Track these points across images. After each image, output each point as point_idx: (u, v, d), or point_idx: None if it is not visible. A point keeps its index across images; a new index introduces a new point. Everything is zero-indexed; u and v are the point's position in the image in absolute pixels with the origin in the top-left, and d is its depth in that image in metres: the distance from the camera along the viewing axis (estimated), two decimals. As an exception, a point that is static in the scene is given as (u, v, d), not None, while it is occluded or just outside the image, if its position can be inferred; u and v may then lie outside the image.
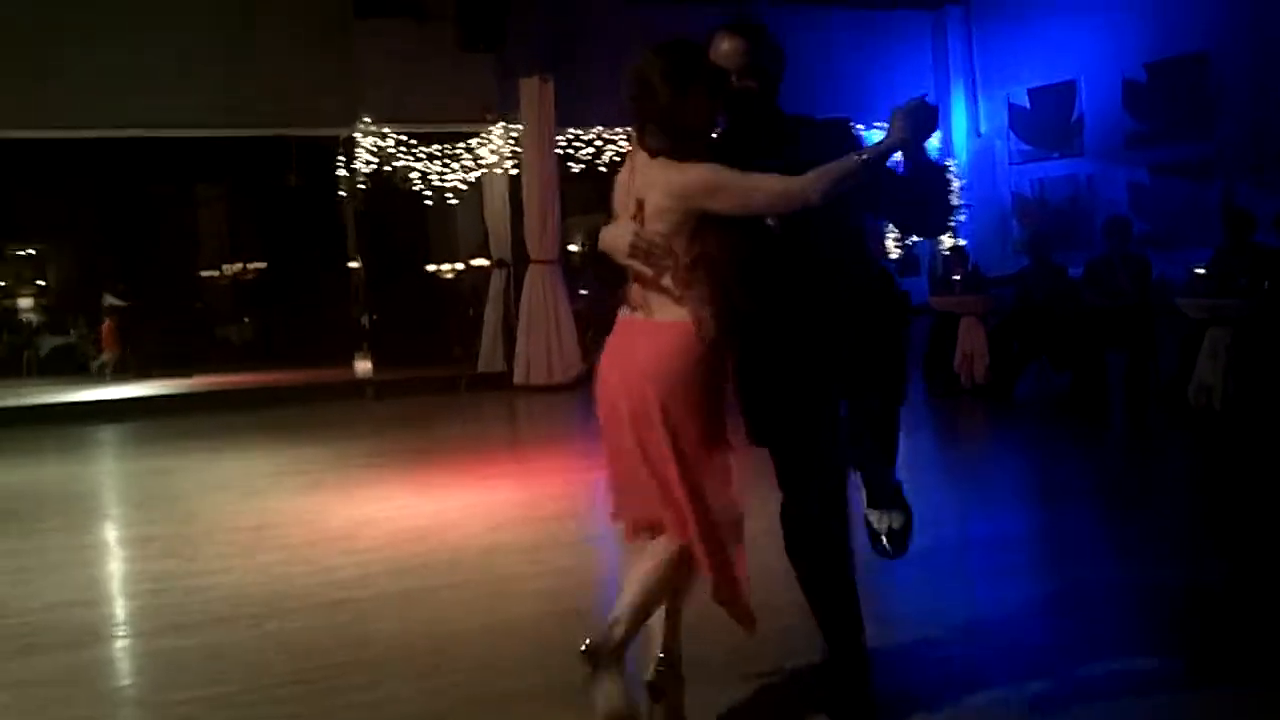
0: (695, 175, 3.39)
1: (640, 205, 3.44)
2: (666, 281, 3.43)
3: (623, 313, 3.59)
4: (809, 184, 3.34)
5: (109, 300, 18.68)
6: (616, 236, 3.46)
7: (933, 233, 4.11)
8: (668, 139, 3.43)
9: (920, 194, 3.61)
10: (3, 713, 3.97)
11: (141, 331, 18.92)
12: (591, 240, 3.59)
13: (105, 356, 18.36)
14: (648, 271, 3.44)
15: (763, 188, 3.38)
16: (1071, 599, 4.91)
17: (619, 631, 3.36)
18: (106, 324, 18.44)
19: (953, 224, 3.76)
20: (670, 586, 3.54)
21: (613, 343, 3.58)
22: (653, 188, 3.44)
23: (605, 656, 3.31)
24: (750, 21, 3.66)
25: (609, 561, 5.48)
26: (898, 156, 3.49)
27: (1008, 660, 4.09)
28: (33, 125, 13.96)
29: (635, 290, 3.52)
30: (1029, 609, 4.79)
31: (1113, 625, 4.57)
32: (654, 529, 3.55)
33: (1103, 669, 3.97)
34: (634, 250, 3.41)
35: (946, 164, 15.23)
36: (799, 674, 4.00)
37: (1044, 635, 4.43)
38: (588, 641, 3.31)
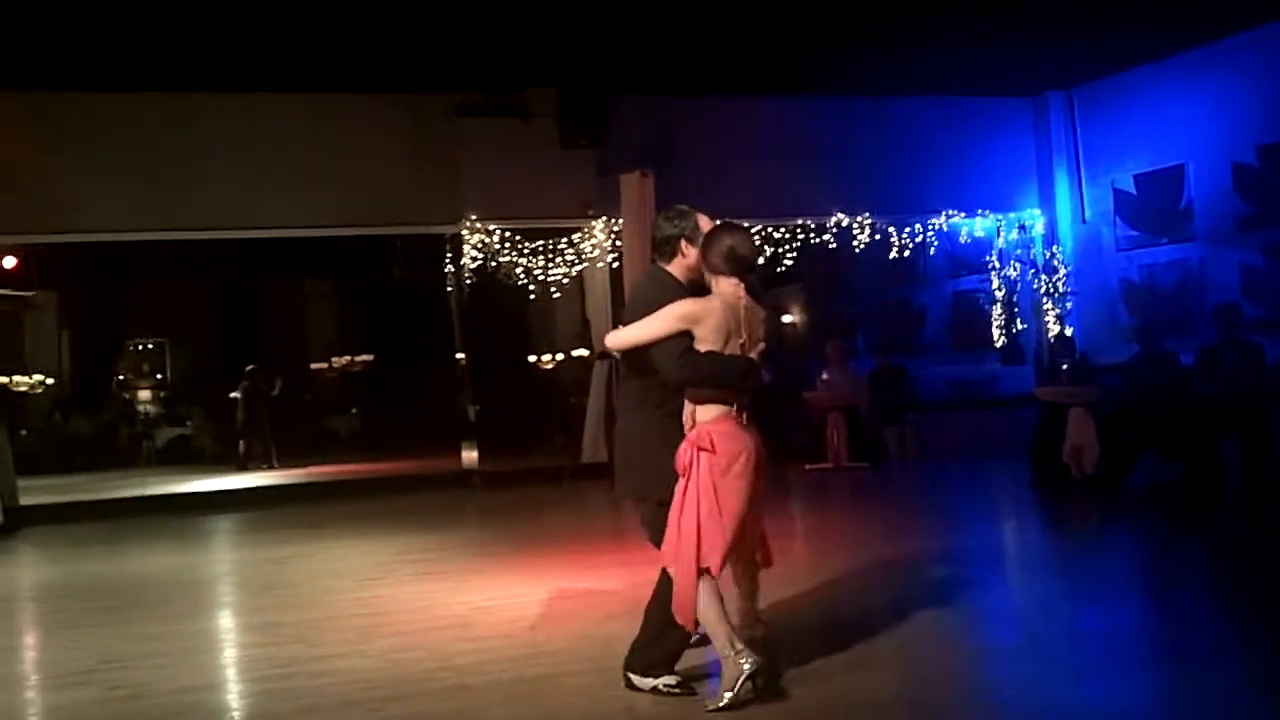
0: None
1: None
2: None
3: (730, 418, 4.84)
4: None
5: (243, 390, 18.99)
6: None
7: None
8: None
9: None
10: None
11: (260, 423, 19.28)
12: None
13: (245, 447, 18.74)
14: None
15: None
16: (1183, 695, 4.84)
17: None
18: (243, 415, 18.78)
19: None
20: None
21: (744, 437, 4.84)
22: (761, 324, 4.97)
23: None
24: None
25: (712, 653, 5.50)
26: None
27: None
28: (156, 227, 14.56)
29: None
30: (1142, 704, 4.72)
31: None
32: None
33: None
34: None
35: None
36: None
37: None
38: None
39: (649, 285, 5.18)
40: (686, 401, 4.88)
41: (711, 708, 4.73)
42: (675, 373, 4.81)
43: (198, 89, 14.09)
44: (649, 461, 4.98)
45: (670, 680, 5.01)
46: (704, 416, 4.81)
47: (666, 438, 4.90)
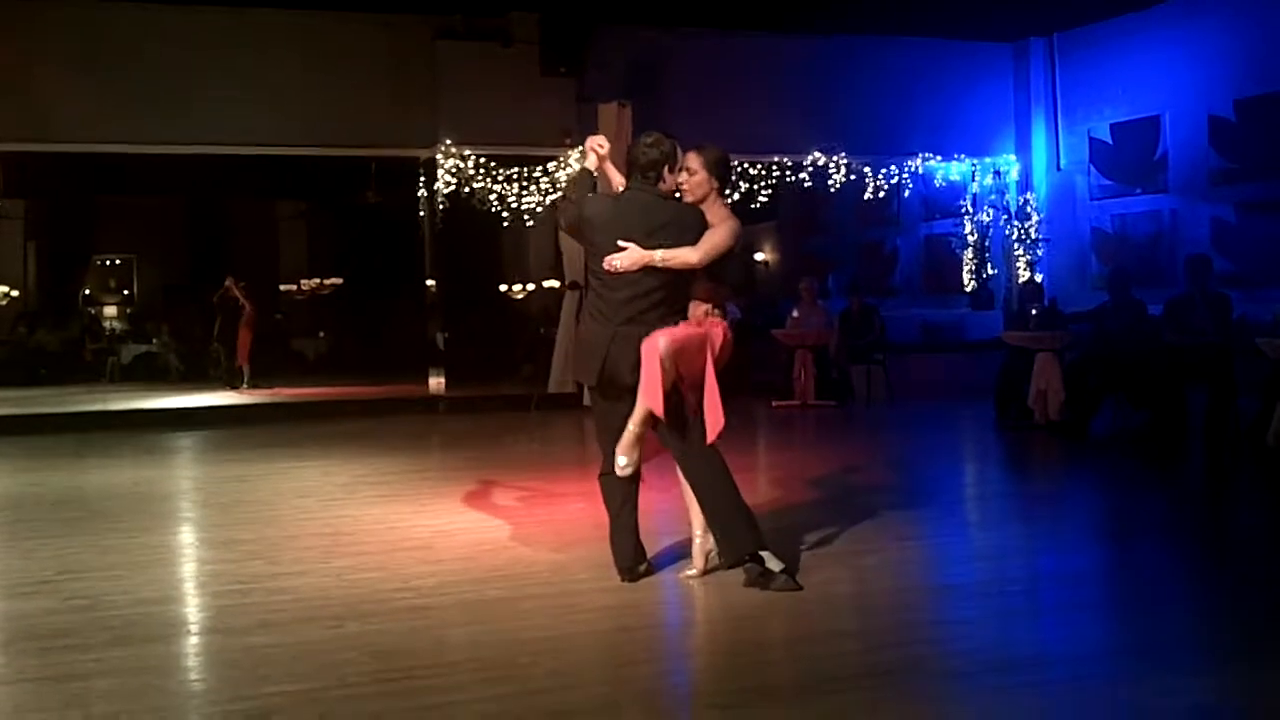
0: None
1: None
2: None
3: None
4: None
5: (240, 298, 18.42)
6: None
7: None
8: None
9: None
10: (106, 697, 4.11)
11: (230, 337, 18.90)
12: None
13: (243, 366, 18.30)
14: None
15: None
16: (1133, 637, 4.90)
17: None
18: (244, 335, 18.34)
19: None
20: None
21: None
22: None
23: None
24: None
25: (672, 582, 5.56)
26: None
27: (1074, 692, 4.09)
28: (129, 140, 14.36)
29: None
30: (1093, 645, 4.79)
31: (1179, 662, 4.54)
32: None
33: (1165, 705, 3.95)
34: None
35: None
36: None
37: (1111, 670, 4.41)
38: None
39: (684, 209, 5.49)
40: (700, 300, 5.45)
41: (693, 574, 5.54)
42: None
43: (177, 1, 13.89)
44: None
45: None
46: (712, 314, 5.47)
47: None
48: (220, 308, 18.54)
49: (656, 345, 5.21)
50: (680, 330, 5.35)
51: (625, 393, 5.38)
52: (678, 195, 5.51)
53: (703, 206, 5.48)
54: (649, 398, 5.22)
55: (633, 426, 5.30)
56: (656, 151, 5.44)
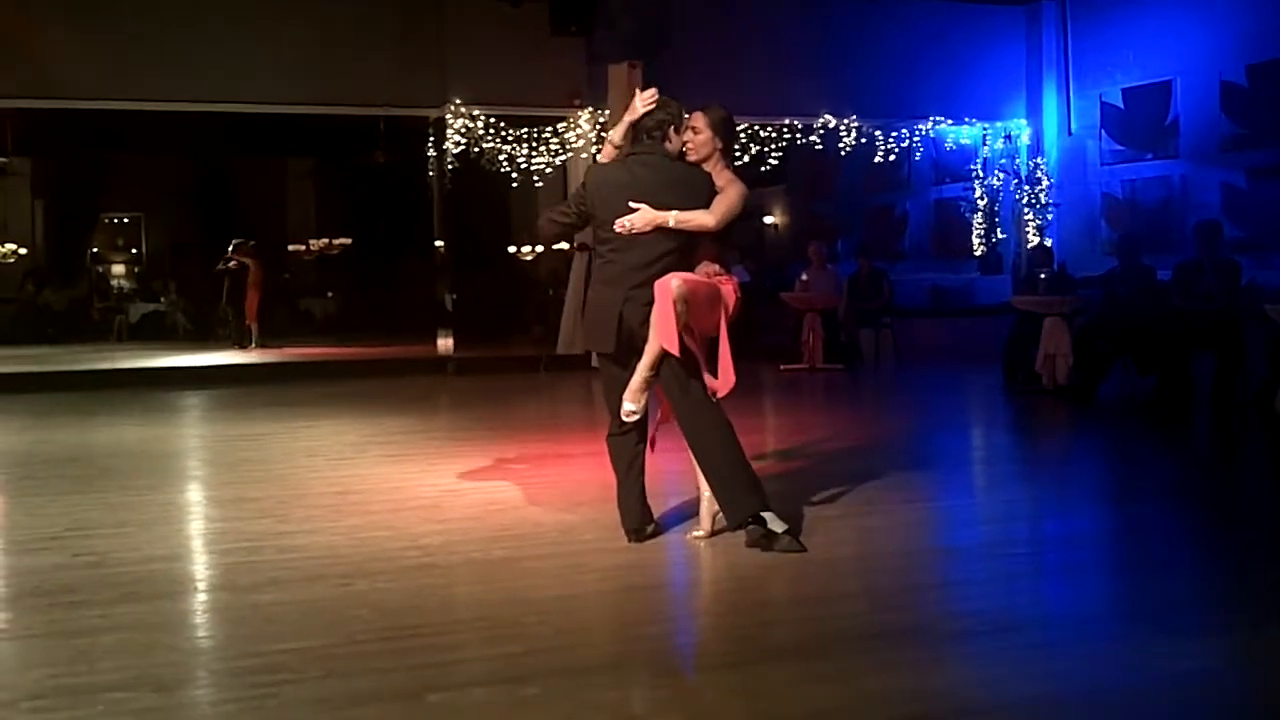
0: None
1: None
2: None
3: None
4: None
5: (243, 260, 18.32)
6: None
7: None
8: None
9: None
10: (114, 652, 4.13)
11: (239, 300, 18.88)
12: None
13: (251, 325, 18.28)
14: None
15: None
16: (1144, 600, 4.89)
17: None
18: (251, 295, 18.24)
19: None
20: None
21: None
22: None
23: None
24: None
25: (678, 543, 5.58)
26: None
27: (1078, 654, 4.10)
28: (138, 97, 14.32)
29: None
30: (1096, 607, 4.80)
31: (1184, 626, 4.54)
32: None
33: (1170, 668, 3.95)
34: None
35: None
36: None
37: (1116, 633, 4.42)
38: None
39: (693, 170, 5.49)
40: (709, 261, 5.44)
41: (700, 535, 5.55)
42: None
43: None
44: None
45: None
46: (720, 274, 5.47)
47: None
48: (226, 272, 18.54)
49: (669, 285, 5.16)
50: (693, 275, 5.33)
51: (637, 356, 5.35)
52: (683, 156, 5.50)
53: (705, 167, 5.48)
54: (662, 334, 5.15)
55: (641, 372, 5.27)
56: (662, 113, 5.42)
